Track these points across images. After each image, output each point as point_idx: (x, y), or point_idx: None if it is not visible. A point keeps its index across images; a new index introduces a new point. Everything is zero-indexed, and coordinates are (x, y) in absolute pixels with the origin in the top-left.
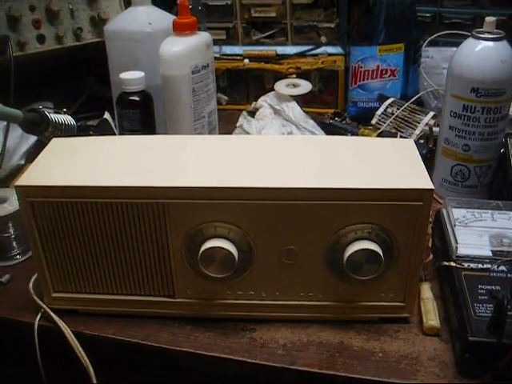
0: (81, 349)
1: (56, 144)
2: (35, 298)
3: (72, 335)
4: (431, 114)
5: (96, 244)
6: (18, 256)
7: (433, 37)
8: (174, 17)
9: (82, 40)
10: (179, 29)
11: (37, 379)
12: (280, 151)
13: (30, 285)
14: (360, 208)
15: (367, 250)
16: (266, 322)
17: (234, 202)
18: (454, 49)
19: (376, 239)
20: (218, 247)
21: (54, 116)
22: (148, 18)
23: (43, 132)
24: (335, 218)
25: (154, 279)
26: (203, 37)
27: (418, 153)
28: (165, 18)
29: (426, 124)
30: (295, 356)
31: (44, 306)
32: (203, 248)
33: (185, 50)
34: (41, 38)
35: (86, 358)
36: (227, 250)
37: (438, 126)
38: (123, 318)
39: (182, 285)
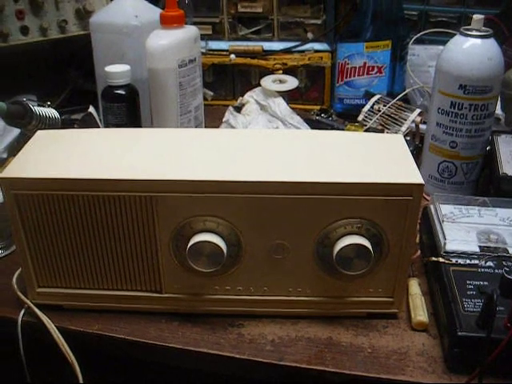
0: (66, 345)
1: (41, 136)
2: (19, 293)
3: (56, 331)
4: (418, 111)
5: (82, 238)
6: (0, 251)
7: (419, 35)
8: (161, 10)
9: (66, 32)
10: (167, 22)
11: (21, 377)
12: (268, 145)
13: (14, 280)
14: (349, 202)
15: (357, 244)
16: (254, 317)
17: (222, 196)
18: (440, 47)
19: (366, 234)
20: (207, 241)
21: (37, 109)
22: (134, 11)
23: (27, 125)
24: (324, 213)
25: (141, 274)
26: (190, 30)
27: (407, 148)
28: (151, 11)
29: (413, 121)
30: (284, 352)
31: (28, 301)
32: (191, 242)
33: (172, 43)
34: (24, 30)
35: (71, 354)
36: (216, 245)
37: (424, 123)
38: (109, 314)
39: (169, 280)
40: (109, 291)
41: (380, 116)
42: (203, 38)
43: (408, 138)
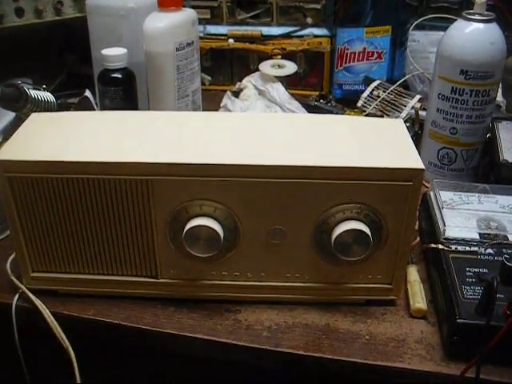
0: (60, 330)
1: (36, 119)
2: (13, 278)
3: (51, 316)
4: (417, 97)
5: (77, 222)
6: None
7: (419, 20)
8: None
9: (62, 15)
10: (164, 4)
11: (15, 362)
12: (266, 128)
13: (8, 265)
14: (348, 187)
15: (355, 230)
16: (251, 303)
17: (219, 180)
18: (441, 33)
19: (364, 220)
20: (203, 226)
21: (33, 92)
22: None
23: (22, 108)
24: (323, 198)
25: (137, 259)
26: (188, 13)
27: (407, 133)
28: None
29: (412, 107)
30: (280, 338)
31: (22, 286)
32: (188, 226)
33: (169, 26)
34: (19, 12)
35: (65, 339)
36: (212, 229)
37: (424, 109)
38: (104, 299)
39: (165, 265)
40: (104, 276)
41: (379, 102)
42: (201, 22)
43: (407, 125)
